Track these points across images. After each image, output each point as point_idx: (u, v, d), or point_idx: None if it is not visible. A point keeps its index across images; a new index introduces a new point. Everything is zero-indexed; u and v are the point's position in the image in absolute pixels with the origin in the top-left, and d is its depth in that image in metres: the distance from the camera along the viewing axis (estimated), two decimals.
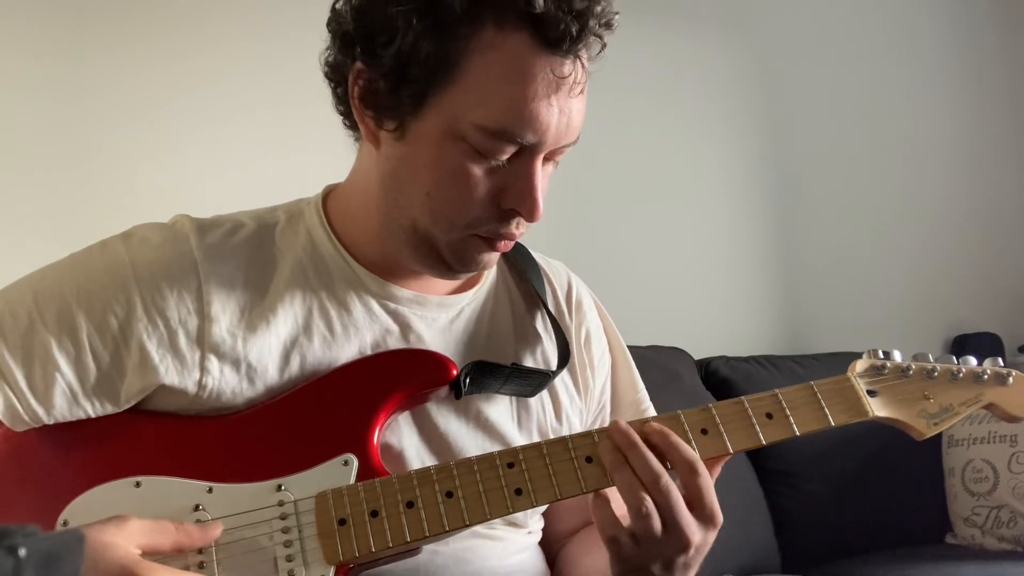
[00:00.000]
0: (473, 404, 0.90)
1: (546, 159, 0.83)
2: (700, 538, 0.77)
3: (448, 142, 0.79)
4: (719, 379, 2.12)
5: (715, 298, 2.44)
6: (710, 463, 0.83)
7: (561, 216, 1.86)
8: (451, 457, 0.87)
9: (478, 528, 0.88)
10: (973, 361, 0.94)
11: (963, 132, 2.92)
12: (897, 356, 0.94)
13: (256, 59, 1.86)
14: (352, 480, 0.80)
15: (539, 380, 0.93)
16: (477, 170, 0.80)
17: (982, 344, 2.69)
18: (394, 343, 0.89)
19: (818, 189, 2.65)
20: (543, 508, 0.98)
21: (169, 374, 0.81)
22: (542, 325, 0.98)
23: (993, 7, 3.02)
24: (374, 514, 0.78)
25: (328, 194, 0.94)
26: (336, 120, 0.89)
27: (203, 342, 0.82)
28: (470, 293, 0.95)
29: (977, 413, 0.93)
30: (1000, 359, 0.94)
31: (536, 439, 0.93)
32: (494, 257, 0.88)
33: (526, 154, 0.80)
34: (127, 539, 0.71)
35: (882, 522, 2.11)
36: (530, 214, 0.82)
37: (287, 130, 1.86)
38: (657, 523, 0.75)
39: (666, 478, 0.76)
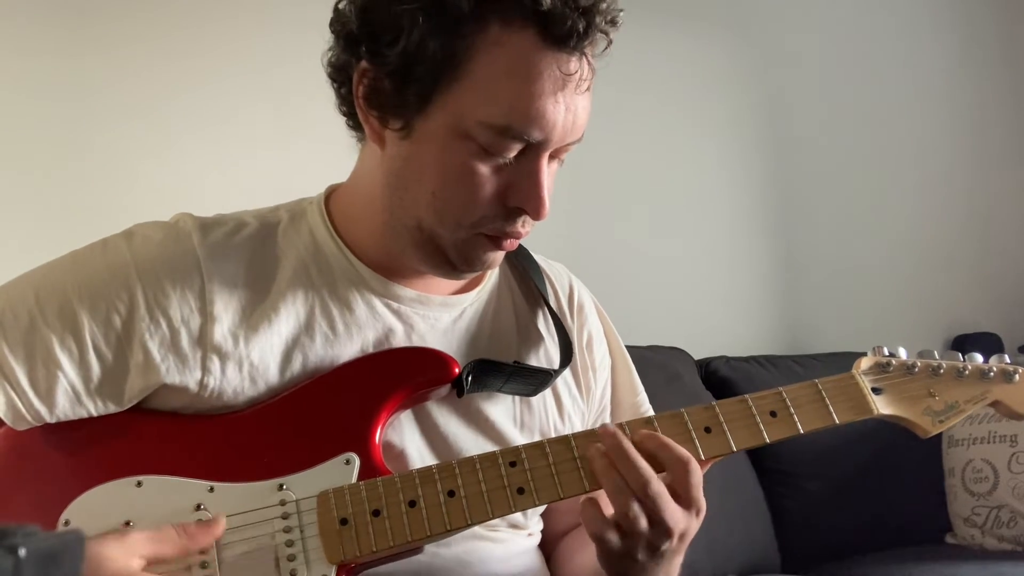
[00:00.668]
0: (475, 403, 0.90)
1: (551, 157, 0.83)
2: (684, 526, 0.78)
3: (454, 140, 0.79)
4: (719, 379, 2.12)
5: (715, 298, 2.44)
6: (708, 461, 0.83)
7: (562, 216, 1.85)
8: (453, 456, 0.87)
9: (479, 530, 0.88)
10: (979, 358, 0.94)
11: (964, 131, 2.92)
12: (902, 353, 0.93)
13: (256, 58, 1.86)
14: (354, 479, 0.79)
15: (541, 379, 0.93)
16: (484, 168, 0.80)
17: (982, 344, 2.69)
18: (396, 342, 0.88)
19: (818, 189, 2.65)
20: (543, 508, 0.98)
21: (171, 374, 0.81)
22: (544, 326, 0.98)
23: (994, 7, 3.02)
24: (376, 513, 0.78)
25: (330, 194, 0.94)
26: (337, 119, 0.89)
27: (205, 342, 0.82)
28: (473, 293, 0.95)
29: (977, 413, 0.93)
30: (1006, 356, 0.94)
31: (538, 439, 0.93)
32: (499, 256, 0.87)
33: (532, 152, 0.80)
34: (128, 552, 0.71)
35: (882, 522, 2.11)
36: (536, 212, 0.82)
37: (288, 129, 1.86)
38: (644, 522, 0.76)
39: (655, 483, 0.76)
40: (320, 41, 0.86)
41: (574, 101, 0.80)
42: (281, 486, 0.79)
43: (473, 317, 0.94)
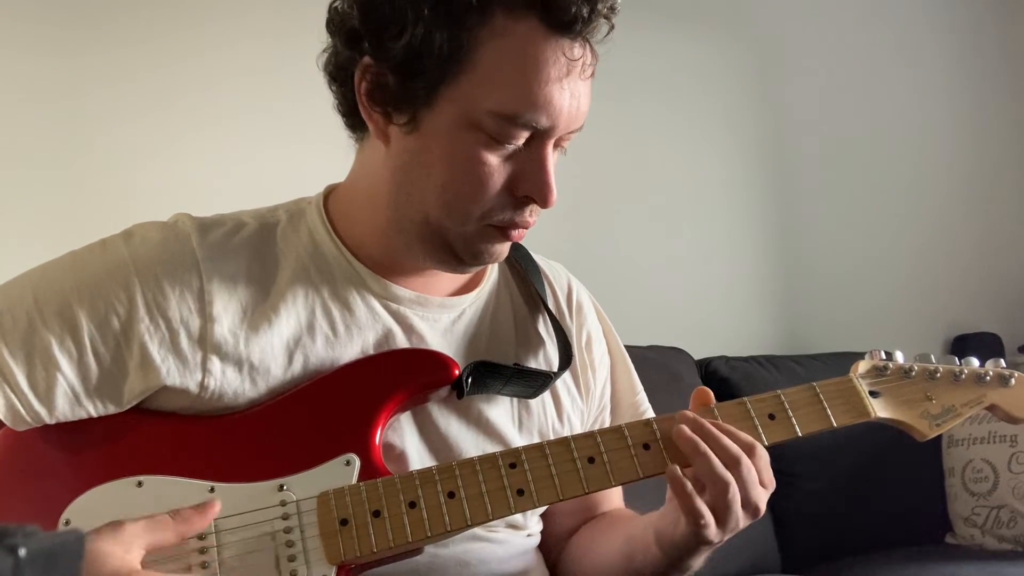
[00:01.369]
0: (474, 405, 0.90)
1: (555, 146, 0.83)
2: (763, 504, 0.81)
3: (463, 131, 0.80)
4: (719, 379, 2.11)
5: (715, 298, 2.44)
6: None
7: (562, 216, 1.85)
8: (452, 457, 0.87)
9: (478, 530, 0.88)
10: (975, 362, 0.94)
11: (963, 131, 2.92)
12: (899, 357, 0.94)
13: (255, 59, 1.86)
14: (354, 480, 0.80)
15: (541, 381, 0.93)
16: (492, 159, 0.80)
17: (982, 344, 2.69)
18: (396, 343, 0.88)
19: (818, 189, 2.65)
20: (543, 509, 0.98)
21: (171, 375, 0.81)
22: (543, 327, 0.98)
23: (994, 7, 3.02)
24: (376, 514, 0.78)
25: (329, 194, 0.94)
26: (336, 119, 0.89)
27: (205, 342, 0.82)
28: (472, 294, 0.95)
29: (977, 413, 0.93)
30: (1002, 360, 0.94)
31: (537, 440, 0.93)
32: (505, 248, 0.88)
33: (538, 140, 0.81)
34: (125, 545, 0.71)
35: (882, 522, 2.11)
36: (545, 200, 0.82)
37: (287, 129, 1.86)
38: (738, 499, 0.78)
39: (745, 460, 0.79)
40: (318, 43, 0.86)
41: (578, 87, 0.81)
42: (281, 487, 0.79)
43: (472, 318, 0.94)
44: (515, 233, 0.85)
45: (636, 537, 0.90)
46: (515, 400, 0.93)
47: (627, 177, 2.35)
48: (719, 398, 0.89)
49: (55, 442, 0.81)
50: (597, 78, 0.84)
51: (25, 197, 1.64)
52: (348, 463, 0.80)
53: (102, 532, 0.71)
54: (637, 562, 0.88)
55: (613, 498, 1.04)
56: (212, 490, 0.79)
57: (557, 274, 1.04)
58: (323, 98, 0.89)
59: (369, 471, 0.80)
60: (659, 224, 2.38)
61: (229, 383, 0.82)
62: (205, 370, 0.81)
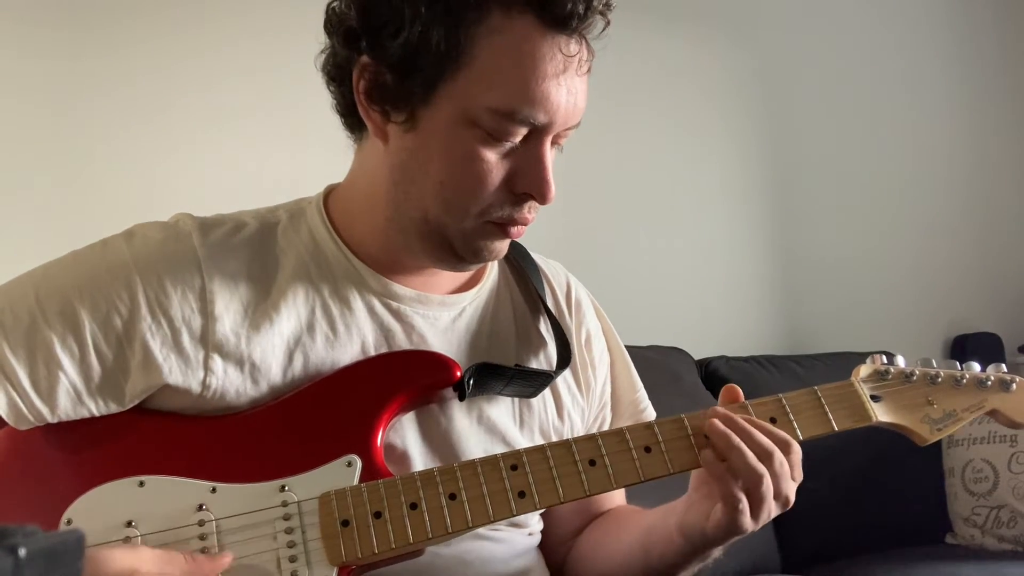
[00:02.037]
0: (475, 405, 0.91)
1: (552, 143, 0.84)
2: (793, 498, 0.83)
3: (460, 128, 0.80)
4: (719, 379, 2.11)
5: (715, 298, 2.44)
6: None
7: (562, 216, 1.86)
8: (454, 458, 0.87)
9: (480, 529, 0.88)
10: (977, 367, 0.94)
11: (963, 131, 2.92)
12: (900, 362, 0.94)
13: (255, 60, 1.85)
14: (355, 481, 0.80)
15: (541, 381, 0.93)
16: (490, 155, 0.80)
17: (982, 344, 2.69)
18: (396, 342, 0.89)
19: (818, 189, 2.65)
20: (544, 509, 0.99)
21: (173, 374, 0.81)
22: (543, 324, 0.98)
23: (994, 8, 3.02)
24: (377, 515, 0.78)
25: (329, 193, 0.94)
26: (334, 120, 0.89)
27: (207, 341, 0.82)
28: (472, 292, 0.95)
29: (978, 418, 0.94)
30: (1003, 365, 0.94)
31: (538, 438, 0.94)
32: (505, 245, 0.88)
33: (535, 137, 0.81)
34: (136, 558, 0.70)
35: (882, 522, 2.11)
36: (543, 196, 0.83)
37: (287, 130, 1.86)
38: (771, 493, 0.80)
39: (779, 454, 0.81)
40: (316, 44, 0.87)
41: (575, 83, 0.81)
42: (283, 487, 0.79)
43: (472, 316, 0.94)
44: (514, 230, 0.86)
45: (655, 528, 0.90)
46: (516, 399, 0.93)
47: (627, 177, 2.35)
48: (719, 398, 0.89)
49: (57, 442, 0.81)
50: (598, 79, 0.84)
51: (27, 198, 1.64)
52: (350, 464, 0.80)
53: (118, 544, 0.71)
54: (656, 552, 0.89)
55: (615, 496, 1.04)
56: (214, 490, 0.79)
57: (556, 272, 1.04)
58: (322, 99, 0.89)
59: (370, 472, 0.80)
60: (659, 224, 2.38)
61: (231, 382, 0.82)
62: (207, 369, 0.81)
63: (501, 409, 0.92)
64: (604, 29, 0.82)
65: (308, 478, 0.80)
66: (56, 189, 1.67)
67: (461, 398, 0.88)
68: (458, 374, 0.86)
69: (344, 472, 0.80)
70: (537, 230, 0.91)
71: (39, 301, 0.81)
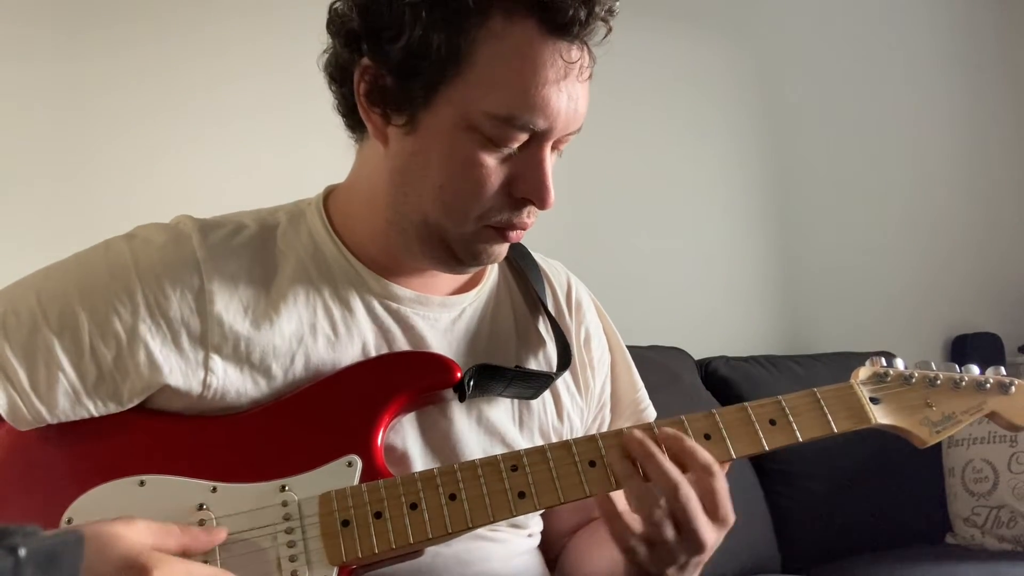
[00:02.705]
0: (475, 406, 0.91)
1: (552, 148, 0.83)
2: (714, 539, 0.79)
3: (460, 133, 0.80)
4: (719, 379, 2.12)
5: (715, 298, 2.44)
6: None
7: (562, 216, 1.85)
8: (454, 459, 0.87)
9: (480, 530, 0.88)
10: (976, 370, 0.94)
11: (963, 131, 2.92)
12: (900, 364, 0.94)
13: (255, 62, 1.86)
14: (356, 481, 0.80)
15: (541, 382, 0.93)
16: (489, 160, 0.80)
17: (982, 344, 2.69)
18: (396, 343, 0.89)
19: (818, 189, 2.65)
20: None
21: (173, 374, 0.81)
22: (543, 325, 0.98)
23: (993, 8, 3.02)
24: (377, 515, 0.78)
25: (329, 194, 0.94)
26: (336, 120, 0.89)
27: (206, 341, 0.82)
28: (472, 293, 0.95)
29: (977, 420, 0.94)
30: (1002, 368, 0.94)
31: (538, 439, 0.94)
32: (504, 249, 0.88)
33: (535, 142, 0.81)
34: (137, 531, 0.71)
35: (882, 522, 2.11)
36: (543, 202, 0.82)
37: (287, 132, 1.86)
38: (670, 529, 0.76)
39: (685, 487, 0.77)
40: (318, 44, 0.87)
41: (576, 89, 0.81)
42: (283, 487, 0.79)
43: (472, 317, 0.94)
44: (513, 234, 0.85)
45: (619, 559, 0.89)
46: (515, 400, 0.93)
47: (627, 177, 2.35)
48: (719, 398, 0.89)
49: (57, 441, 0.81)
50: (599, 79, 0.84)
51: (29, 200, 1.65)
52: (350, 464, 0.80)
53: (114, 520, 0.71)
54: None
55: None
56: (214, 490, 0.79)
57: (556, 272, 1.04)
58: (323, 99, 0.89)
59: (371, 472, 0.80)
60: (659, 224, 2.39)
61: (231, 383, 0.82)
62: (208, 369, 0.82)
63: (501, 410, 0.92)
64: (606, 36, 0.82)
65: (308, 478, 0.80)
66: (57, 189, 1.67)
67: (461, 399, 0.88)
68: (458, 375, 0.86)
69: (344, 472, 0.80)
70: (537, 230, 0.91)
71: (40, 303, 0.81)
